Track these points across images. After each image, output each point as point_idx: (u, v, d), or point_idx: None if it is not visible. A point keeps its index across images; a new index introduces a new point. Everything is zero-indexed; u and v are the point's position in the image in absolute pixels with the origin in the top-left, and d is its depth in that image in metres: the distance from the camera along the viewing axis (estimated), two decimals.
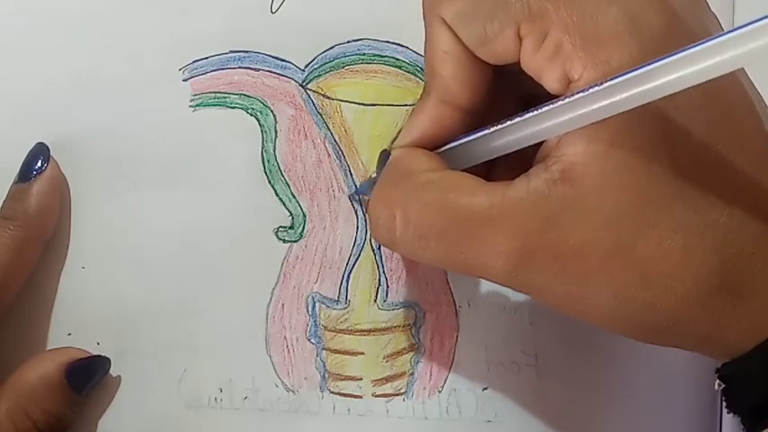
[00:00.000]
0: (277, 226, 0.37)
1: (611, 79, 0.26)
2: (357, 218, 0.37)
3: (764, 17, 0.23)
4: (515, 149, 0.29)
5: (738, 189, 0.27)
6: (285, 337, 0.37)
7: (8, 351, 0.36)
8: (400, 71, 0.38)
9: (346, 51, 0.38)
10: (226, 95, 0.37)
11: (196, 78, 0.37)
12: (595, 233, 0.26)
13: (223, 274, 0.37)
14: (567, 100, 0.27)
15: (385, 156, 0.33)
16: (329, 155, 0.37)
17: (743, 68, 0.29)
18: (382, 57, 0.38)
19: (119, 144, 0.37)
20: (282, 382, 0.37)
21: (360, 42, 0.38)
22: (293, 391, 0.37)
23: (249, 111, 0.37)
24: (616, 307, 0.27)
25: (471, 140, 0.30)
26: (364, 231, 0.37)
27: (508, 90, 0.32)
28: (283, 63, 0.38)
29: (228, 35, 0.38)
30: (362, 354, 0.37)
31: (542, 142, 0.28)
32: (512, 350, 0.37)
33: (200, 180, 0.37)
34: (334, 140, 0.37)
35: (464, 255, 0.28)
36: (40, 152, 0.36)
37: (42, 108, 0.37)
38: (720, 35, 0.24)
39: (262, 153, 0.37)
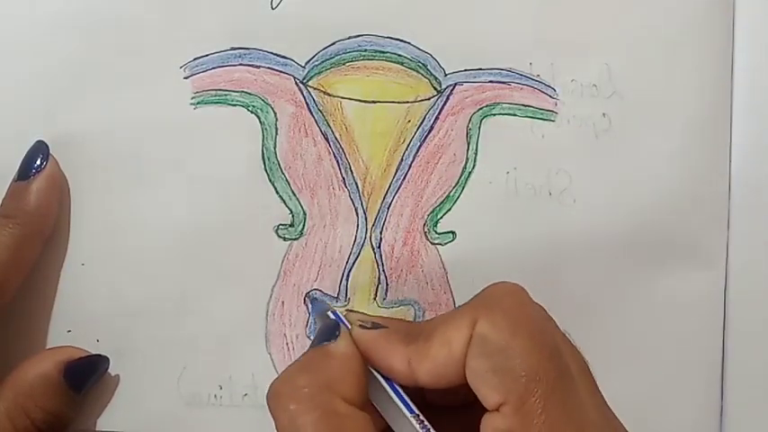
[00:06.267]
0: (277, 224, 0.37)
1: None
2: (357, 216, 0.37)
3: None
4: None
5: None
6: (285, 335, 0.37)
7: (7, 349, 0.36)
8: (402, 67, 0.38)
9: (347, 48, 0.38)
10: (226, 93, 0.37)
11: (197, 76, 0.37)
12: None
13: (223, 271, 0.37)
14: None
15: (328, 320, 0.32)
16: (330, 152, 0.37)
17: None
18: (383, 53, 0.38)
19: (119, 142, 0.37)
20: None
21: (360, 38, 0.38)
22: None
23: (250, 108, 0.37)
24: None
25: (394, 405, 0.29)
26: (364, 230, 0.37)
27: None
28: (284, 60, 0.37)
29: (229, 32, 0.37)
30: None
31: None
32: None
33: (200, 177, 0.37)
34: (335, 138, 0.37)
35: None
36: (40, 150, 0.36)
37: (41, 106, 0.37)
38: None
39: (262, 150, 0.37)
